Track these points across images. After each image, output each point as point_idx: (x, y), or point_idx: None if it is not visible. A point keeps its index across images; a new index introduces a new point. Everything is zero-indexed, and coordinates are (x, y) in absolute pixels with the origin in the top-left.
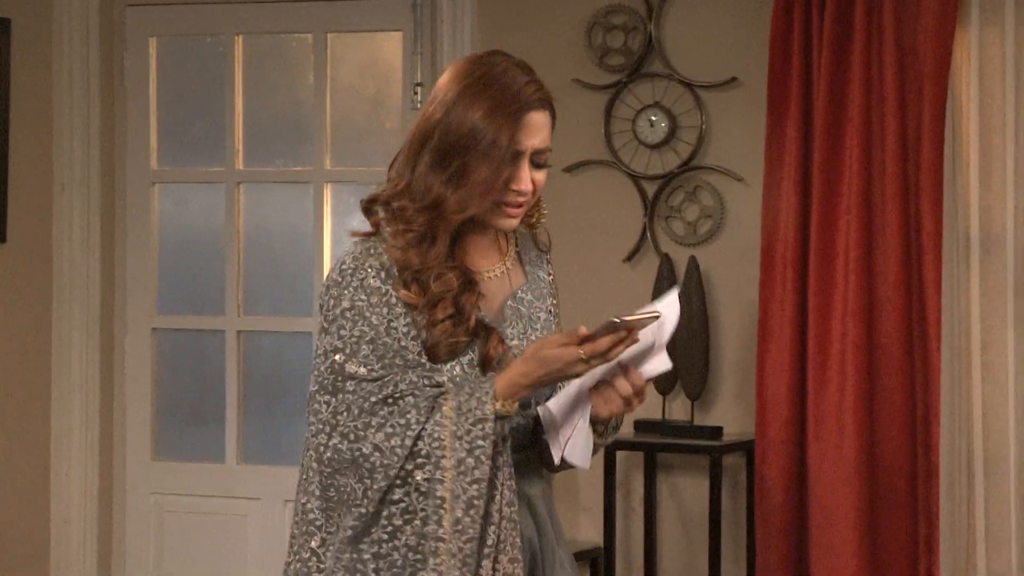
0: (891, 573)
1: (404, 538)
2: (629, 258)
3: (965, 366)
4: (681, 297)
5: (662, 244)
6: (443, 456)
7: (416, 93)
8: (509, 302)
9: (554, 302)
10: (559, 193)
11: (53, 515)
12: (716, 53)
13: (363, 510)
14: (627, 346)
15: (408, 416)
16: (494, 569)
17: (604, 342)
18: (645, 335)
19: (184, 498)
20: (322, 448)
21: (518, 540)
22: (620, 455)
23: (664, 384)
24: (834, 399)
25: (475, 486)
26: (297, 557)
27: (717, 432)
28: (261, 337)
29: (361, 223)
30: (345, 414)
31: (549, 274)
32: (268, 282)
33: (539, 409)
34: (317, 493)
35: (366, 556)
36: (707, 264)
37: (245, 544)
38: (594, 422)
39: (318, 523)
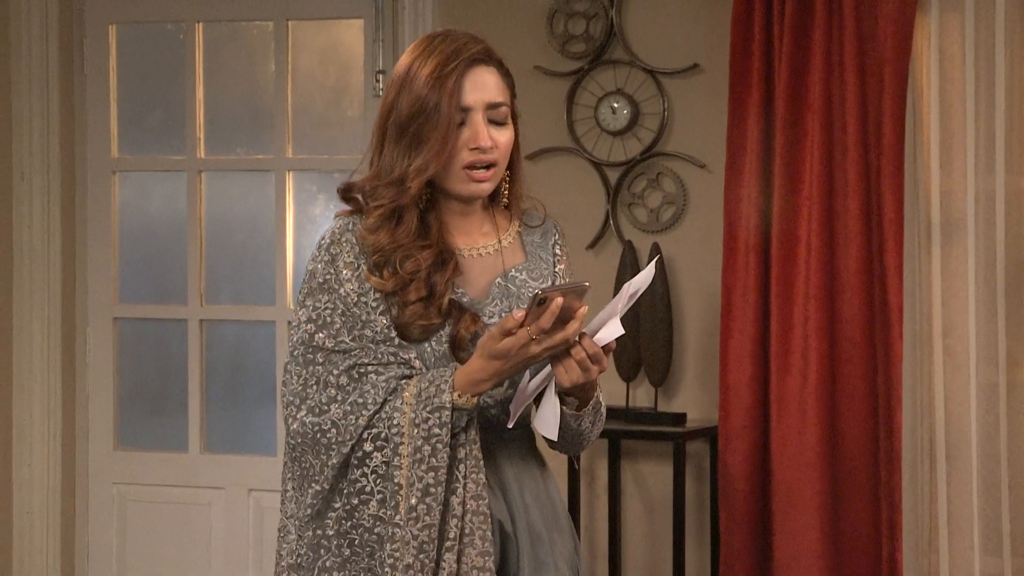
0: (854, 557)
1: (360, 518)
2: (592, 245)
3: (927, 351)
4: (658, 265)
5: (625, 231)
6: (401, 443)
7: (378, 81)
8: (499, 279)
9: (562, 280)
10: None
11: (16, 506)
12: (678, 40)
13: (318, 487)
14: (572, 323)
15: (367, 395)
16: (459, 562)
17: (545, 318)
18: (613, 304)
19: (147, 488)
20: (290, 420)
21: (488, 533)
22: None
23: (628, 371)
24: (796, 385)
25: (431, 474)
26: (284, 541)
27: (681, 419)
28: (223, 326)
29: (323, 210)
30: (314, 387)
31: (555, 254)
32: (230, 271)
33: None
34: (297, 473)
35: (330, 532)
36: (670, 251)
37: (209, 533)
38: (565, 395)
39: (308, 513)
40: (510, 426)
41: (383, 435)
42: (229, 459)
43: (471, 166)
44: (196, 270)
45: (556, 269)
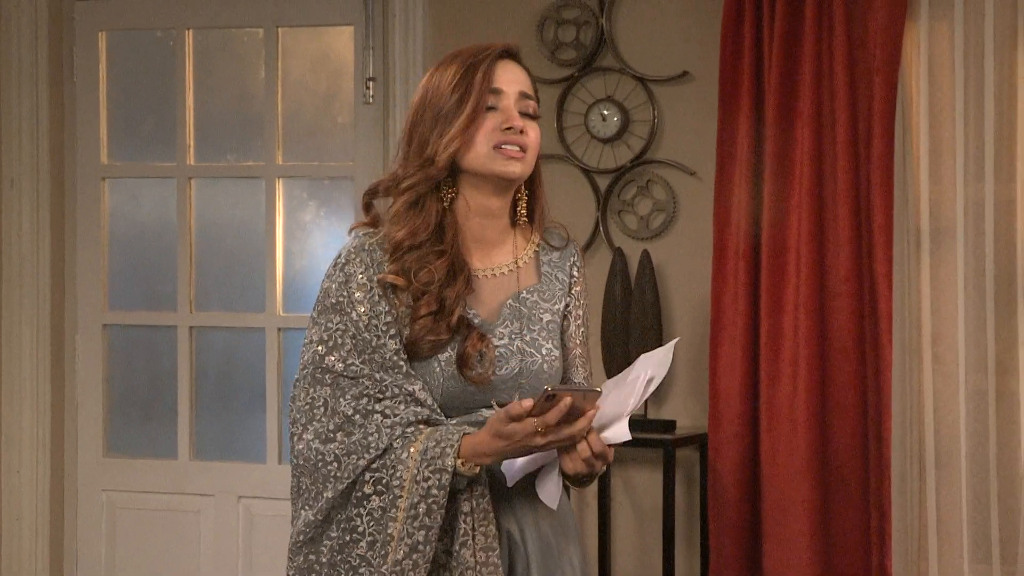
0: (843, 565)
1: (349, 554)
2: (582, 252)
3: (916, 359)
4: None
5: (615, 238)
6: (400, 496)
7: (368, 88)
8: (510, 301)
9: (578, 303)
10: None
11: (4, 512)
12: (668, 47)
13: (311, 516)
14: (581, 421)
15: (370, 438)
16: None
17: (552, 415)
18: (618, 399)
19: (136, 495)
20: (295, 439)
21: None
22: None
23: None
24: (786, 392)
25: (422, 532)
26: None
27: (670, 426)
28: (213, 333)
29: (314, 217)
30: (321, 409)
31: (572, 276)
32: (220, 278)
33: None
34: (294, 490)
35: (323, 559)
36: (660, 258)
37: (198, 540)
38: (567, 475)
39: (299, 539)
40: (509, 485)
41: (384, 481)
42: (218, 466)
43: (500, 145)
44: (186, 277)
45: (572, 291)
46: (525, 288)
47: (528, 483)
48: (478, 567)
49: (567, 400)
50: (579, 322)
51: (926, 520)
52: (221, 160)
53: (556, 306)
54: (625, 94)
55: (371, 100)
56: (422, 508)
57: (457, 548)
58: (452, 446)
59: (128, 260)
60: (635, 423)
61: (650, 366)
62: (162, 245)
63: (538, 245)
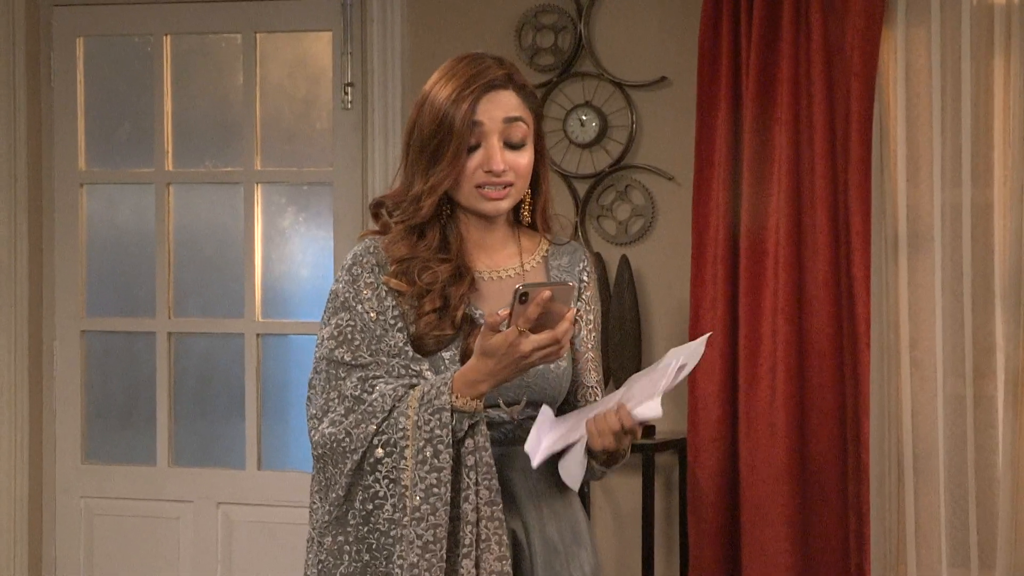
0: (823, 569)
1: (376, 522)
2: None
3: (894, 363)
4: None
5: (594, 243)
6: (406, 446)
7: (346, 93)
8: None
9: (588, 308)
10: None
11: None
12: (646, 53)
13: (334, 494)
14: (563, 323)
15: (375, 404)
16: (478, 569)
17: (531, 309)
18: (659, 372)
19: (115, 501)
20: (313, 432)
21: (504, 538)
22: None
23: None
24: (765, 397)
25: (434, 474)
26: (310, 551)
27: (649, 430)
28: (192, 339)
29: (292, 223)
30: (336, 400)
31: (582, 281)
32: (199, 283)
33: (543, 407)
34: (322, 484)
35: (350, 538)
36: (638, 263)
37: (177, 547)
38: (593, 453)
39: (325, 519)
40: (535, 465)
41: (391, 440)
42: (197, 472)
43: (482, 186)
44: (164, 283)
45: (582, 296)
46: None
47: (534, 485)
48: (481, 522)
49: (545, 293)
50: (590, 327)
51: (904, 524)
52: (199, 166)
53: (562, 309)
54: (603, 99)
55: (349, 106)
56: (428, 452)
57: (458, 504)
58: (446, 383)
59: (106, 266)
60: None
61: (682, 355)
62: (140, 251)
63: (547, 250)
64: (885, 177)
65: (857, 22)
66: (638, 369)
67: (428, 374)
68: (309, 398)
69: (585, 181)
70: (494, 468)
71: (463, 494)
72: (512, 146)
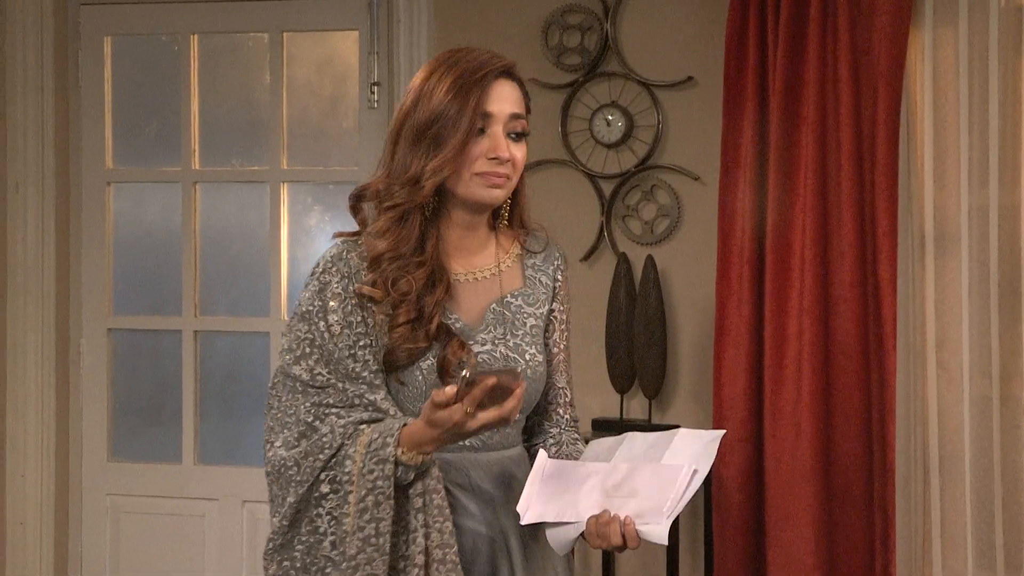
0: (847, 570)
1: (316, 556)
2: (586, 257)
3: (920, 364)
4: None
5: (619, 243)
6: (350, 491)
7: (373, 92)
8: (494, 305)
9: (562, 308)
10: None
11: (9, 517)
12: (672, 53)
13: (278, 522)
14: (510, 401)
15: (325, 438)
16: None
17: (477, 393)
18: (656, 484)
19: (141, 499)
20: (267, 447)
21: None
22: None
23: (622, 383)
24: (791, 397)
25: (372, 525)
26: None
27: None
28: (217, 337)
29: (319, 221)
30: (291, 419)
31: (556, 280)
32: (225, 282)
33: (540, 451)
34: (268, 498)
35: (297, 564)
36: (664, 263)
37: (202, 545)
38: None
39: (270, 547)
40: (523, 523)
41: (338, 478)
42: (223, 470)
43: (483, 174)
44: (191, 281)
45: (556, 296)
46: (510, 292)
47: (506, 483)
48: (433, 565)
49: (489, 381)
50: (563, 327)
51: (930, 525)
52: (226, 165)
53: (540, 310)
54: (629, 99)
55: (376, 105)
56: (370, 500)
57: (405, 547)
58: (392, 435)
59: (133, 264)
60: (639, 428)
61: (693, 456)
62: (167, 250)
63: (521, 249)
64: (912, 178)
65: (884, 22)
66: (664, 371)
67: (384, 403)
68: (269, 405)
69: (611, 181)
70: (447, 510)
71: (411, 535)
72: (513, 138)
